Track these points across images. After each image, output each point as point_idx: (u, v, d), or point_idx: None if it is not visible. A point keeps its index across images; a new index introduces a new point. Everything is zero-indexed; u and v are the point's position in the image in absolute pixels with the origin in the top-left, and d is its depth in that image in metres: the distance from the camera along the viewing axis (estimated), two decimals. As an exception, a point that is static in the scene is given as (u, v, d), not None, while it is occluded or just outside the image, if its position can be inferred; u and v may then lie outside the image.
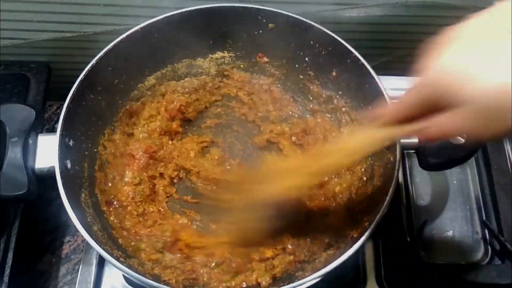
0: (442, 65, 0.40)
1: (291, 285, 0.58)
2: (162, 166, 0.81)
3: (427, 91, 0.42)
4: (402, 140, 0.66)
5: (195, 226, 0.77)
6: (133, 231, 0.73)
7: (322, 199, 0.76)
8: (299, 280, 0.58)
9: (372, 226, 0.61)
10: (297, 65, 0.85)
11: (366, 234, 0.60)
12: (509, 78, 0.36)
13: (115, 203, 0.75)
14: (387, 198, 0.62)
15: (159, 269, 0.68)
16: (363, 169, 0.76)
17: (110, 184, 0.76)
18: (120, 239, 0.70)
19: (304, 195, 0.75)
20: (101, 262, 0.77)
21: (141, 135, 0.81)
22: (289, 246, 0.72)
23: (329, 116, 0.84)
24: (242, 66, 0.88)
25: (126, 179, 0.77)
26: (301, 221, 0.74)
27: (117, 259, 0.60)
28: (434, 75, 0.40)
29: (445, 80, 0.39)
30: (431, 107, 0.42)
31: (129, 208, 0.75)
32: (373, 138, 0.50)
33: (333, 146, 0.59)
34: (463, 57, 0.39)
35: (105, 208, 0.73)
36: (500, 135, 0.39)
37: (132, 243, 0.71)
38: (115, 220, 0.72)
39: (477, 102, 0.38)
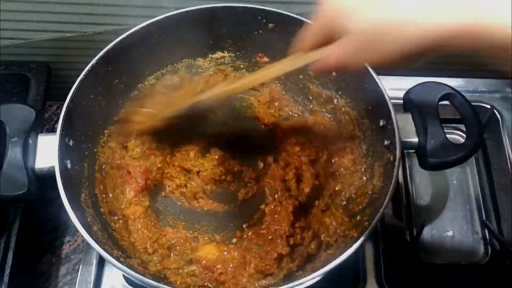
0: (338, 2, 0.48)
1: (291, 284, 0.58)
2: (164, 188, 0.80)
3: (322, 22, 0.51)
4: (402, 140, 0.66)
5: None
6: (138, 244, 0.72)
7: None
8: (299, 279, 0.58)
9: (372, 226, 0.61)
10: (297, 65, 0.84)
11: (366, 234, 0.60)
12: (382, 15, 0.44)
13: (119, 215, 0.74)
14: (387, 198, 0.62)
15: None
16: (363, 169, 0.76)
17: (111, 195, 0.75)
18: (120, 241, 0.71)
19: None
20: (101, 262, 0.77)
21: (134, 151, 0.80)
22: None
23: (329, 116, 0.84)
24: (242, 66, 0.88)
25: (128, 197, 0.76)
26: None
27: (117, 259, 0.60)
28: (327, 7, 0.49)
29: (335, 12, 0.48)
30: (328, 37, 0.51)
31: (136, 224, 0.75)
32: (292, 61, 0.60)
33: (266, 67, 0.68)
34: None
35: (108, 219, 0.73)
36: (380, 63, 0.46)
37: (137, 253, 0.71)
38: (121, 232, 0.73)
39: (358, 32, 0.46)
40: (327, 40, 0.51)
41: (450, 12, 0.41)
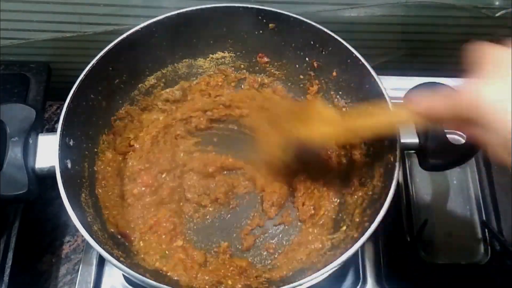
0: (487, 95, 0.43)
1: (291, 285, 0.58)
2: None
3: (464, 109, 0.45)
4: (402, 141, 0.66)
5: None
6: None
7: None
8: (299, 279, 0.58)
9: (372, 226, 0.61)
10: (297, 65, 0.85)
11: (366, 234, 0.60)
12: None
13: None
14: (387, 198, 0.62)
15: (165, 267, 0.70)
16: (363, 169, 0.76)
17: (115, 212, 0.75)
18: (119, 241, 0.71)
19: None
20: (101, 262, 0.77)
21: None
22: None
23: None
24: (242, 66, 0.88)
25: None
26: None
27: (117, 259, 0.60)
28: (477, 101, 0.43)
29: (486, 110, 0.43)
30: (463, 120, 0.46)
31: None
32: (403, 118, 0.57)
33: (367, 116, 0.64)
34: (505, 94, 0.41)
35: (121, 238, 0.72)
36: None
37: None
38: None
39: (503, 135, 0.42)
40: (450, 118, 0.48)
41: None
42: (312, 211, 0.77)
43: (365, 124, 0.63)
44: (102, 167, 0.76)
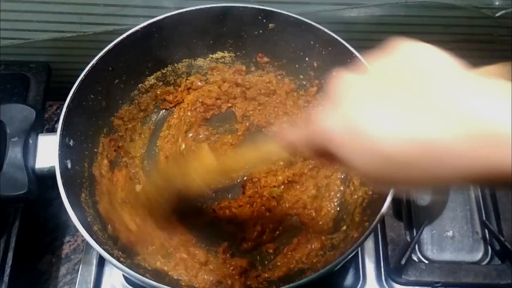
0: (329, 121, 0.39)
1: (291, 285, 0.58)
2: None
3: (315, 140, 0.42)
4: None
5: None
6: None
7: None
8: (299, 280, 0.58)
9: (372, 226, 0.61)
10: (297, 65, 0.85)
11: (366, 234, 0.60)
12: (383, 158, 0.35)
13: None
14: (387, 198, 0.62)
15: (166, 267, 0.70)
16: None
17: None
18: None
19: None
20: (101, 262, 0.77)
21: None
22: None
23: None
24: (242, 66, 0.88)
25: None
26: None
27: (117, 259, 0.60)
28: (322, 130, 0.40)
29: (332, 137, 0.39)
30: (321, 151, 0.42)
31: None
32: (270, 154, 0.56)
33: (243, 152, 0.65)
34: (347, 116, 0.38)
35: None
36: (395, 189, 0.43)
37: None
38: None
39: (360, 163, 0.37)
40: (312, 150, 0.45)
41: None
42: (313, 214, 0.77)
43: (238, 163, 0.63)
44: (97, 172, 0.75)
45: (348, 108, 0.38)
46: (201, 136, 0.86)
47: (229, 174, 0.68)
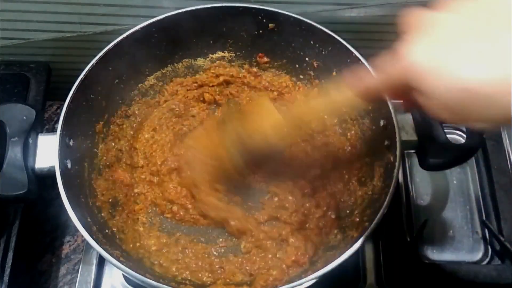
0: (416, 56, 0.41)
1: (291, 284, 0.58)
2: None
3: (399, 79, 0.44)
4: (402, 140, 0.66)
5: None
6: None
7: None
8: (299, 280, 0.58)
9: (372, 226, 0.61)
10: (297, 65, 0.85)
11: (366, 234, 0.60)
12: (467, 83, 0.38)
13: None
14: (387, 198, 0.62)
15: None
16: (363, 169, 0.76)
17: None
18: (119, 242, 0.71)
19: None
20: (101, 262, 0.77)
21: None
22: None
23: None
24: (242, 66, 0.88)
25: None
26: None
27: (117, 259, 0.60)
28: (406, 64, 0.42)
29: (417, 72, 0.41)
30: (400, 89, 0.45)
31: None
32: (345, 104, 0.58)
33: (309, 103, 0.67)
34: (435, 54, 0.40)
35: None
36: (460, 123, 0.45)
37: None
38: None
39: (438, 98, 0.40)
40: (391, 91, 0.48)
41: None
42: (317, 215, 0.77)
43: (308, 110, 0.64)
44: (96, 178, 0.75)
45: (437, 44, 0.40)
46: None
47: (298, 126, 0.68)
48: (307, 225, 0.74)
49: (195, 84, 0.87)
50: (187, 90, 0.87)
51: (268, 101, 0.68)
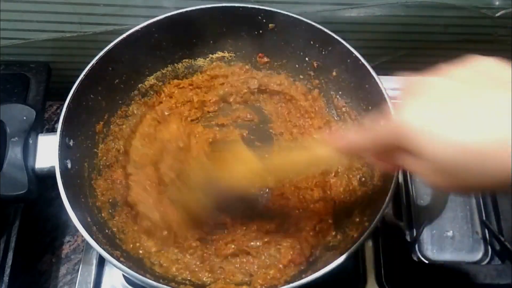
0: (408, 115, 0.40)
1: (291, 285, 0.58)
2: None
3: (388, 139, 0.43)
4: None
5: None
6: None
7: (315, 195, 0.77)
8: (299, 280, 0.58)
9: (372, 226, 0.61)
10: (297, 65, 0.85)
11: (366, 234, 0.60)
12: (463, 144, 0.37)
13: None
14: (387, 198, 0.62)
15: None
16: (363, 169, 0.76)
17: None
18: (119, 242, 0.71)
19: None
20: (101, 262, 0.77)
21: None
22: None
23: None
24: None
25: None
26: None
27: (117, 259, 0.60)
28: (397, 124, 0.41)
29: (409, 132, 0.40)
30: (388, 150, 0.44)
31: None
32: (326, 159, 0.54)
33: (291, 154, 0.62)
34: (427, 114, 0.39)
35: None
36: (456, 190, 0.42)
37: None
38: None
39: (433, 159, 0.39)
40: (381, 152, 0.47)
41: None
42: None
43: (286, 164, 0.61)
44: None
45: (431, 104, 0.40)
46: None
47: (274, 177, 0.66)
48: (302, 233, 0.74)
49: (191, 86, 0.86)
50: (183, 91, 0.86)
51: (244, 147, 0.66)
